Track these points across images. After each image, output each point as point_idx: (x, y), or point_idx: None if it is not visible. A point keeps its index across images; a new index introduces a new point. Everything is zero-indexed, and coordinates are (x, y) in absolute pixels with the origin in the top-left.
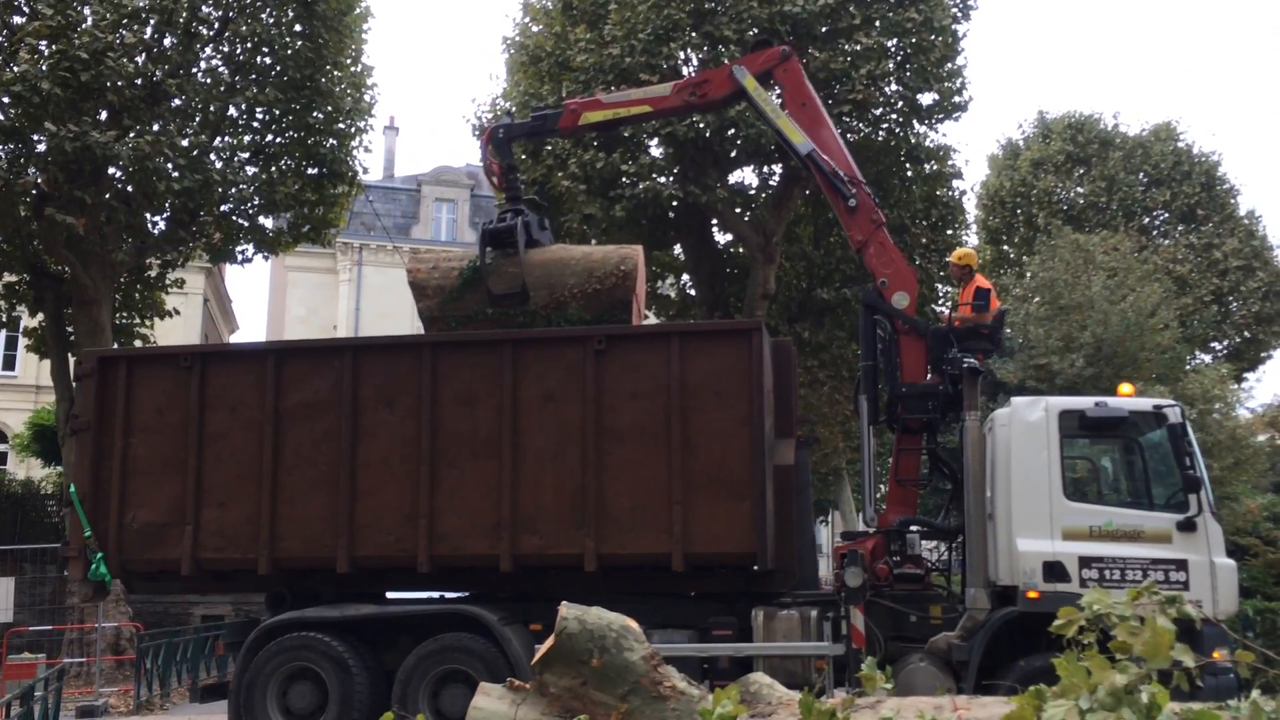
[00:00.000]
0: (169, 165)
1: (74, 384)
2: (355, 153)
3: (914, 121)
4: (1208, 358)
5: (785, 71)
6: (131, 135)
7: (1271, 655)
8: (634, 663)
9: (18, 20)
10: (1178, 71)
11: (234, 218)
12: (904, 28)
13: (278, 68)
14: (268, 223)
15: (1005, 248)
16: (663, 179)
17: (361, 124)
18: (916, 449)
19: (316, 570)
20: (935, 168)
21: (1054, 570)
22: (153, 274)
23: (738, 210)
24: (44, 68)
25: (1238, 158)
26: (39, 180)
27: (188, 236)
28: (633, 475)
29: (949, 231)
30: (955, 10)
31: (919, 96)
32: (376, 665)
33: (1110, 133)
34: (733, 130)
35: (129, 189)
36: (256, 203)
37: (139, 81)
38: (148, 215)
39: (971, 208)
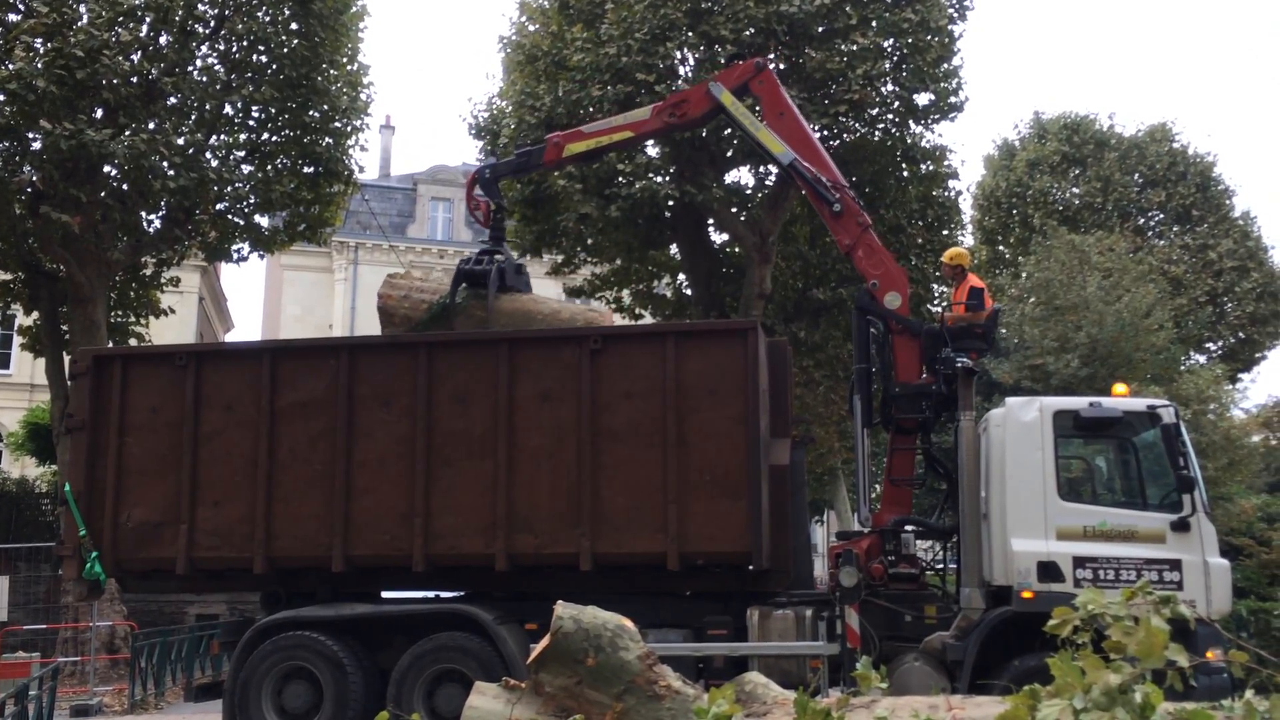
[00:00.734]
0: (164, 163)
1: (69, 382)
2: (351, 151)
3: (910, 122)
4: (1202, 358)
5: (761, 83)
6: (127, 133)
7: (1265, 655)
8: (629, 662)
9: (13, 18)
10: (1173, 72)
11: (229, 216)
12: (900, 28)
13: (274, 66)
14: (263, 221)
15: (1001, 248)
16: (659, 178)
17: (358, 123)
18: (911, 449)
19: (311, 569)
20: (931, 168)
21: (1048, 570)
22: (148, 272)
23: (734, 210)
24: (39, 65)
25: (1233, 159)
26: (34, 178)
27: (183, 235)
28: (628, 475)
29: (944, 232)
30: (951, 11)
31: (915, 97)
32: (372, 664)
33: (1106, 133)
34: (729, 130)
35: (124, 187)
36: (252, 201)
37: (134, 79)
38: (143, 213)
39: (967, 208)
